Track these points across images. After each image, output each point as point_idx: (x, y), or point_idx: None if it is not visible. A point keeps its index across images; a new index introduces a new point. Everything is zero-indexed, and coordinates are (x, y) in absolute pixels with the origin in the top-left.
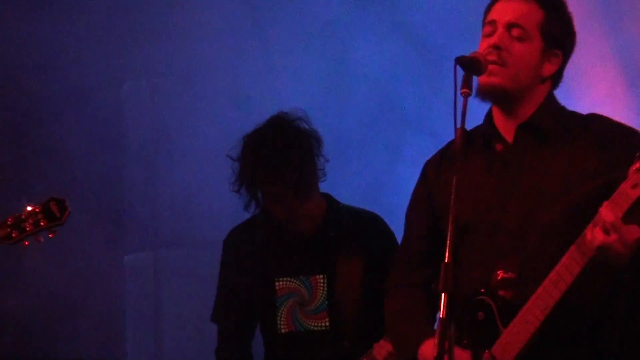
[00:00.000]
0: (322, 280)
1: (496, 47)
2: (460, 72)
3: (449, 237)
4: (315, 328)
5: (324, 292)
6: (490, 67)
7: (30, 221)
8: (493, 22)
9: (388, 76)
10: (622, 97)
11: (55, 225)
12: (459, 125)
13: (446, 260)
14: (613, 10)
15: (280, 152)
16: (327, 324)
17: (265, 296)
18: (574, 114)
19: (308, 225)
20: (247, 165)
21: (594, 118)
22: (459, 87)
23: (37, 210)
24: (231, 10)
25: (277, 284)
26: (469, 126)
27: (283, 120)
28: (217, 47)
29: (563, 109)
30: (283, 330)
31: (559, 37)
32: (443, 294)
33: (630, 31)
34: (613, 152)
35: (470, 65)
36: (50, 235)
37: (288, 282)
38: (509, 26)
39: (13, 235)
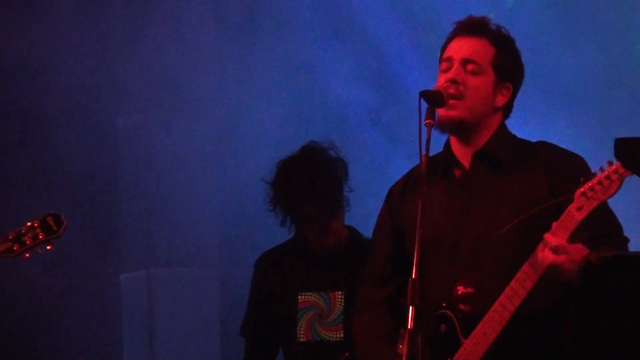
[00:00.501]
0: (340, 296)
1: (453, 82)
2: (424, 105)
3: (415, 255)
4: (331, 339)
5: (341, 307)
6: (450, 101)
7: (30, 235)
8: (449, 59)
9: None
10: (553, 118)
11: (53, 238)
12: (423, 153)
13: (413, 276)
14: (544, 36)
15: (312, 176)
16: (342, 335)
17: (288, 308)
18: (523, 141)
19: (332, 245)
20: (283, 186)
21: (542, 145)
22: (423, 118)
23: (35, 225)
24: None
25: (299, 297)
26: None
27: (315, 148)
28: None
29: (514, 136)
30: (301, 340)
31: (509, 70)
32: (411, 307)
33: (558, 55)
34: (559, 177)
35: (433, 98)
36: (48, 248)
37: (309, 296)
38: (464, 62)
39: (14, 248)
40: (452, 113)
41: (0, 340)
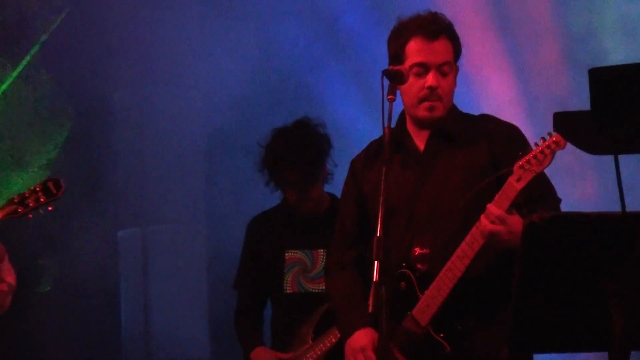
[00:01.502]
0: (322, 254)
1: (433, 90)
2: (386, 82)
3: (380, 215)
4: (314, 290)
5: (323, 263)
6: (432, 104)
7: (32, 198)
8: (424, 65)
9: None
10: (514, 97)
11: (53, 200)
12: (386, 125)
13: (378, 235)
14: (505, 17)
15: (299, 146)
16: (323, 287)
17: (276, 264)
18: (468, 116)
19: (314, 209)
20: (272, 152)
21: (485, 118)
22: (385, 94)
23: (37, 189)
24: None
25: (286, 254)
26: None
27: (307, 122)
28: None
29: (461, 112)
30: (288, 291)
31: (459, 55)
32: (375, 262)
33: (519, 35)
34: (500, 147)
35: (394, 76)
36: (49, 209)
37: (295, 254)
38: (440, 66)
39: (19, 210)
40: (435, 114)
41: None
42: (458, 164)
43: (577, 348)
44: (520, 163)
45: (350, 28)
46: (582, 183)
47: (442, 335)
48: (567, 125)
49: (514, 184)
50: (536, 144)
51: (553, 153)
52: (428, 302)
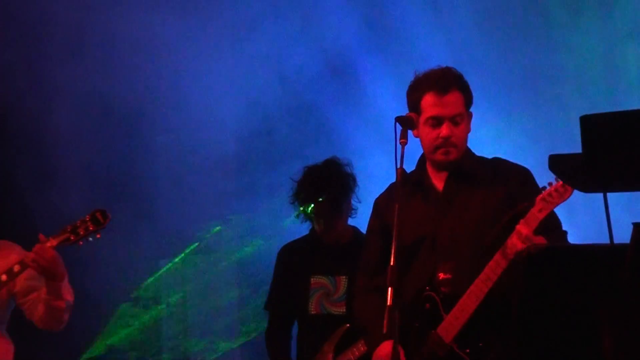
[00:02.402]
0: (344, 280)
1: (447, 138)
2: (399, 127)
3: (393, 245)
4: (335, 313)
5: (345, 288)
6: (447, 149)
7: (83, 227)
8: (438, 118)
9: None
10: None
11: (100, 229)
12: (399, 166)
13: (392, 264)
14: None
15: (327, 182)
16: (344, 310)
17: (303, 288)
18: (483, 158)
19: (338, 239)
20: (302, 187)
21: (498, 160)
22: (398, 138)
23: (87, 219)
24: None
25: (312, 279)
26: None
27: (335, 162)
28: None
29: (475, 155)
30: (312, 312)
31: (470, 103)
32: (389, 288)
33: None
34: (514, 186)
35: (405, 122)
36: (97, 236)
37: (320, 279)
38: (452, 118)
39: (71, 238)
40: (450, 157)
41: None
42: (476, 200)
43: None
44: (542, 196)
45: None
46: (575, 217)
47: (467, 351)
48: (561, 166)
49: (536, 214)
50: (557, 179)
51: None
52: (452, 321)
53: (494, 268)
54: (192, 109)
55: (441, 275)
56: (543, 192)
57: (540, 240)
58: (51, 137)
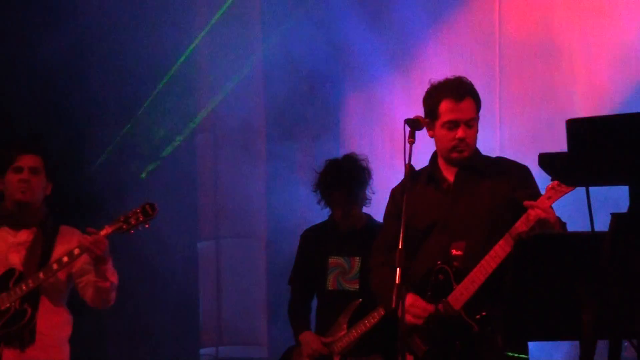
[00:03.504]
0: (358, 261)
1: (462, 140)
2: (407, 128)
3: (402, 231)
4: (350, 289)
5: (358, 268)
6: (462, 148)
7: (134, 217)
8: (454, 121)
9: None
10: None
11: (150, 219)
12: (407, 162)
13: (400, 247)
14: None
15: (345, 174)
16: (357, 287)
17: (321, 266)
18: (488, 157)
19: (353, 225)
20: (324, 178)
21: (502, 159)
22: (407, 138)
23: (137, 210)
24: None
25: (330, 259)
26: None
27: (354, 157)
28: None
29: (482, 154)
30: (329, 288)
31: (479, 109)
32: (398, 269)
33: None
34: (515, 180)
35: (413, 124)
36: (146, 226)
37: (337, 259)
38: (467, 122)
39: (124, 227)
40: (464, 155)
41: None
42: (483, 190)
43: (555, 337)
44: (552, 185)
45: None
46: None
47: (477, 317)
48: (550, 163)
49: (545, 201)
50: None
51: None
52: (462, 291)
53: (503, 246)
54: None
55: (454, 252)
56: (552, 182)
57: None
58: None
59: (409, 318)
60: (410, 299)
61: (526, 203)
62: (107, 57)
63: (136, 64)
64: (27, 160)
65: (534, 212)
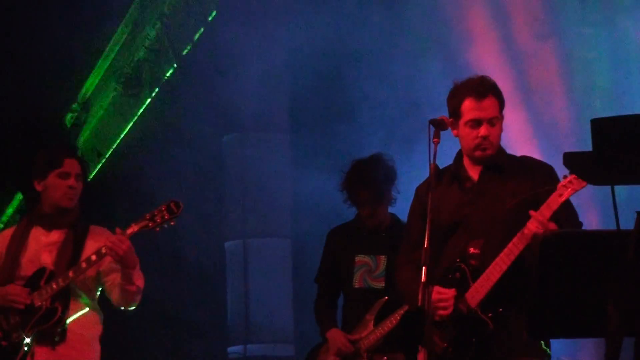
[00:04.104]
0: (384, 259)
1: (486, 138)
2: (432, 128)
3: (427, 230)
4: (376, 287)
5: (384, 266)
6: (485, 146)
7: (159, 215)
8: (477, 120)
9: None
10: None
11: (175, 217)
12: (432, 162)
13: (425, 246)
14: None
15: (372, 174)
16: (383, 285)
17: (348, 264)
18: (512, 155)
19: (379, 224)
20: (351, 177)
21: (526, 158)
22: (431, 138)
23: (163, 208)
24: None
25: (356, 258)
26: None
27: (380, 157)
28: None
29: (506, 152)
30: (356, 286)
31: (503, 107)
32: (423, 267)
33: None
34: (539, 180)
35: (438, 124)
36: (172, 224)
37: (363, 257)
38: (490, 120)
39: (150, 225)
40: (487, 153)
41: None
42: (506, 190)
43: (580, 334)
44: (564, 183)
45: None
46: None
47: (489, 315)
48: (574, 162)
49: (557, 198)
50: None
51: None
52: (478, 289)
53: (516, 244)
54: None
55: (471, 250)
56: (564, 179)
57: (553, 226)
58: None
59: (438, 312)
60: (434, 293)
61: (532, 213)
62: None
63: None
64: (74, 166)
65: (527, 228)
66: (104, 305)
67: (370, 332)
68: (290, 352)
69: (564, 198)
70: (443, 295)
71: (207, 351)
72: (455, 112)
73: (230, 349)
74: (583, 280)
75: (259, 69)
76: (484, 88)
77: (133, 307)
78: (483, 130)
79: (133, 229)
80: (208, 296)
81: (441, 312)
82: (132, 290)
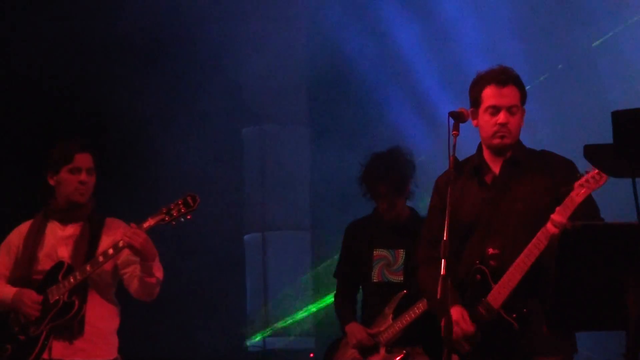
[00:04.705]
0: (402, 253)
1: (504, 125)
2: (451, 121)
3: (446, 223)
4: (394, 281)
5: (402, 260)
6: (503, 134)
7: (176, 209)
8: (496, 107)
9: None
10: None
11: (191, 211)
12: (451, 154)
13: (445, 239)
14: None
15: (391, 167)
16: (402, 279)
17: (367, 259)
18: (532, 150)
19: (397, 218)
20: (369, 170)
21: (545, 153)
22: (451, 130)
23: (179, 202)
24: None
25: (375, 252)
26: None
27: (399, 150)
28: None
29: (526, 147)
30: (374, 280)
31: (525, 99)
32: (443, 260)
33: None
34: (559, 176)
35: (457, 116)
36: (188, 217)
37: (381, 251)
38: (509, 108)
39: (166, 219)
40: (505, 141)
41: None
42: (526, 187)
43: (600, 328)
44: (581, 182)
45: None
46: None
47: (514, 316)
48: (595, 155)
49: (574, 198)
50: (592, 168)
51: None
52: (500, 290)
53: (536, 244)
54: None
55: (490, 251)
56: (581, 178)
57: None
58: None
59: (455, 330)
60: (457, 313)
61: (551, 216)
62: None
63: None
64: (85, 161)
65: (546, 229)
66: (122, 297)
67: (390, 326)
68: (310, 345)
69: (580, 198)
70: (463, 327)
71: (226, 344)
72: (475, 101)
73: (249, 342)
74: (603, 273)
75: (278, 61)
76: (506, 77)
77: (152, 299)
78: (502, 117)
79: (149, 222)
80: (227, 289)
81: (464, 350)
82: (152, 283)
